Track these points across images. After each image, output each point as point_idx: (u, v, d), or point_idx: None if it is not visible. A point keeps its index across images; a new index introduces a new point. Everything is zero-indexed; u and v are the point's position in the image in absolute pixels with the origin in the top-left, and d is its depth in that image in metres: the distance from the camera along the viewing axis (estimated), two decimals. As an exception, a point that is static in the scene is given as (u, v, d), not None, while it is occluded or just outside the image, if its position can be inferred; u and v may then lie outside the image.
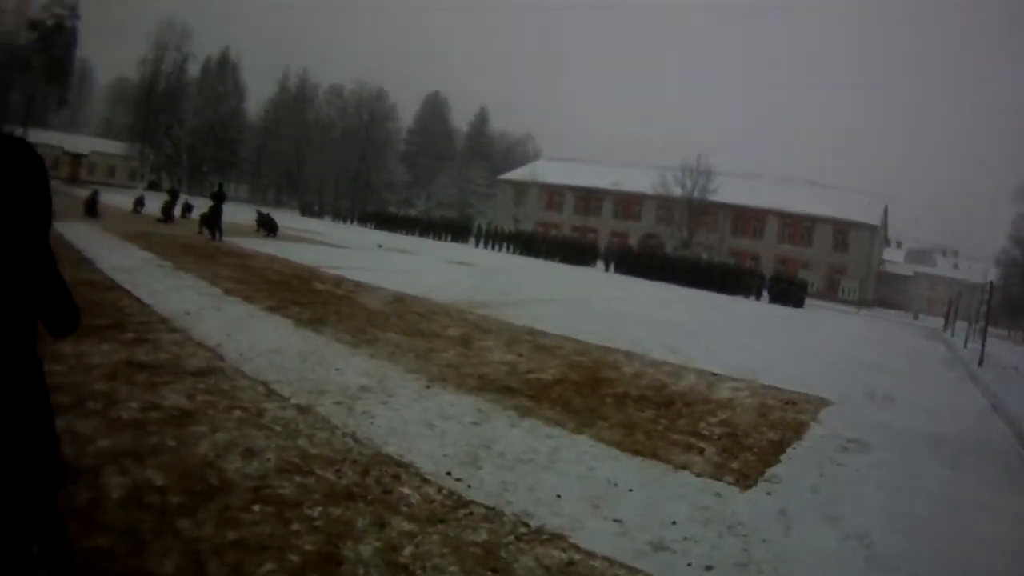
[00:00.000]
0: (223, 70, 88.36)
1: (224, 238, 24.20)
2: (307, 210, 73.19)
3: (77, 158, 76.73)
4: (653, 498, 5.02)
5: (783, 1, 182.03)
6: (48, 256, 2.22)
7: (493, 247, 50.73)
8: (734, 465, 6.08)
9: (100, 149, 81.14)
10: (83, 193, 32.38)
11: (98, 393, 5.70)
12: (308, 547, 3.72)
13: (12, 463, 2.11)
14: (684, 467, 5.82)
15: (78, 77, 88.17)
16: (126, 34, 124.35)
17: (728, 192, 66.49)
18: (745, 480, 5.72)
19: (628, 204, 73.22)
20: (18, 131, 65.69)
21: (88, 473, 4.15)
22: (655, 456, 6.00)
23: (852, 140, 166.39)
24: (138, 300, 10.30)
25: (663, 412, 7.64)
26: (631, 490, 5.12)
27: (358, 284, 15.96)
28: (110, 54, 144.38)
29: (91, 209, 27.13)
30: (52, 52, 70.56)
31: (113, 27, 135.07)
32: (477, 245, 51.88)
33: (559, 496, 4.81)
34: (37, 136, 69.26)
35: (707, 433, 7.05)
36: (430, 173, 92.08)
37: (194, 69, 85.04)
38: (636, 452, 6.03)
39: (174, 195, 32.70)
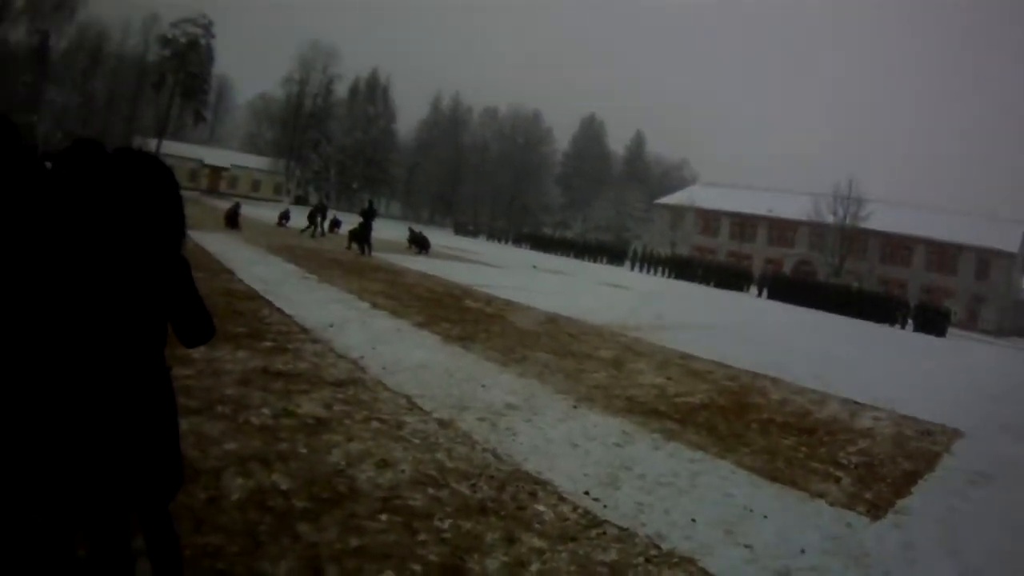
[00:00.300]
0: (373, 91, 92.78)
1: (374, 254, 25.14)
2: (461, 229, 76.01)
3: (217, 171, 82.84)
4: (786, 526, 5.13)
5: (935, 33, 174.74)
6: (181, 267, 2.34)
7: (648, 271, 52.31)
8: (867, 495, 6.19)
9: (242, 163, 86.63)
10: (224, 205, 34.50)
11: (228, 398, 5.97)
12: (432, 558, 3.77)
13: (134, 463, 2.22)
14: (820, 496, 5.95)
15: (216, 94, 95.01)
16: (266, 53, 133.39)
17: (878, 219, 66.44)
18: (876, 511, 5.80)
19: (782, 230, 74.19)
20: (151, 143, 71.62)
21: (209, 474, 4.32)
22: (793, 484, 6.17)
23: (988, 165, 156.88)
24: (279, 311, 10.78)
25: (805, 439, 7.86)
26: (766, 517, 5.23)
27: (510, 303, 16.29)
28: (250, 72, 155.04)
29: (232, 221, 28.73)
30: (187, 69, 76.77)
31: (252, 46, 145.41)
32: (632, 268, 53.12)
33: (694, 520, 4.92)
34: (173, 148, 75.11)
35: (845, 462, 7.18)
36: (586, 196, 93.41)
37: (341, 89, 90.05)
38: (775, 479, 6.21)
39: (322, 209, 34.38)
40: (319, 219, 32.77)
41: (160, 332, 2.34)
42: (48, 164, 3.79)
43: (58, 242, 2.22)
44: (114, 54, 75.01)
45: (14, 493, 2.29)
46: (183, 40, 77.13)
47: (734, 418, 8.30)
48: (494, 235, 72.63)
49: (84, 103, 72.58)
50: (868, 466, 7.14)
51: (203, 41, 78.41)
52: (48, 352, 2.24)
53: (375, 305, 12.83)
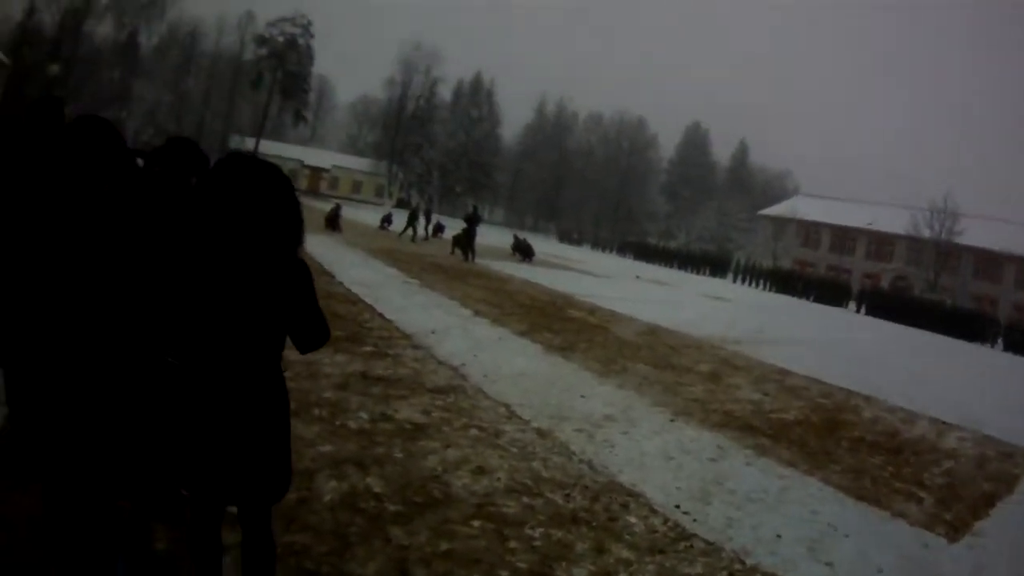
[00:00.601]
0: (476, 94, 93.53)
1: (477, 260, 25.47)
2: (566, 237, 76.39)
3: (317, 171, 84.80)
4: (866, 545, 5.22)
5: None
6: (302, 272, 2.45)
7: (750, 283, 52.64)
8: (947, 516, 6.24)
9: (343, 164, 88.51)
10: (324, 206, 35.36)
11: (325, 401, 6.18)
12: (521, 564, 3.88)
13: (248, 464, 2.35)
14: (901, 515, 6.03)
15: (316, 94, 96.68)
16: (367, 54, 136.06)
17: (972, 234, 65.09)
18: (954, 533, 5.88)
19: (881, 244, 73.54)
20: (249, 142, 73.40)
21: (302, 475, 4.44)
22: (877, 503, 6.23)
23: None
24: (380, 315, 11.08)
25: (892, 459, 7.89)
26: (847, 536, 5.30)
27: (613, 314, 16.37)
28: (350, 72, 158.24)
29: (333, 223, 29.58)
30: (286, 68, 78.39)
31: (352, 46, 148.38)
32: (735, 280, 53.45)
33: (779, 536, 5.05)
34: (272, 148, 76.84)
35: (928, 483, 7.24)
36: (690, 205, 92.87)
37: (445, 92, 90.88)
38: (860, 498, 6.26)
39: (426, 213, 34.97)
40: (423, 222, 33.31)
41: (279, 337, 2.45)
42: (140, 160, 4.01)
43: (177, 246, 2.34)
44: (209, 52, 77.58)
45: (109, 483, 2.43)
46: (281, 39, 78.85)
47: (826, 435, 8.40)
48: (598, 244, 73.09)
49: (177, 100, 75.03)
50: (950, 487, 7.21)
51: (302, 41, 79.92)
52: (167, 353, 2.40)
53: (477, 312, 13.04)
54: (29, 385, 2.40)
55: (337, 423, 5.68)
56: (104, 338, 2.35)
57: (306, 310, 2.46)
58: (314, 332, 2.50)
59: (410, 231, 32.80)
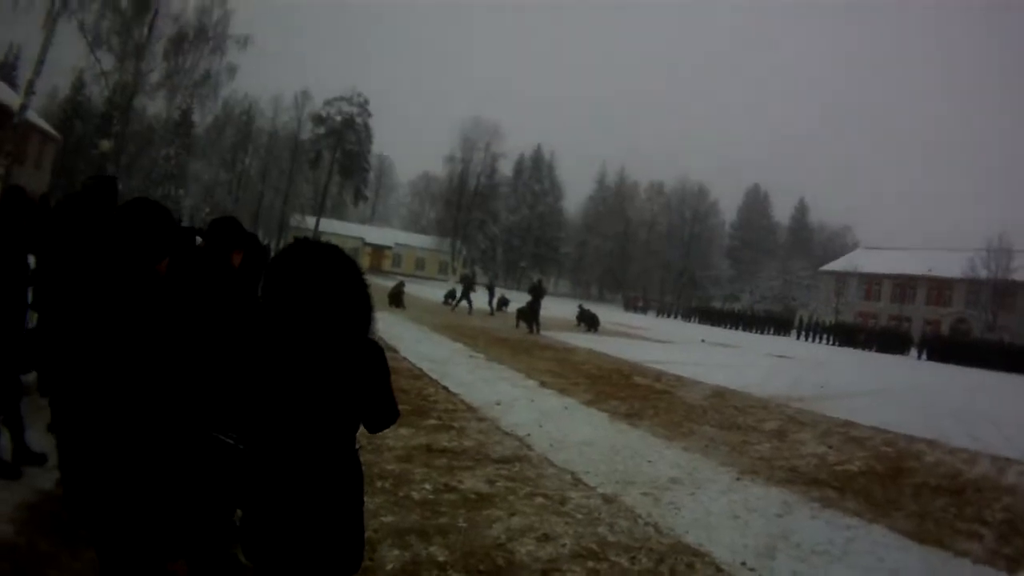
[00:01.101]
0: (538, 168, 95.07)
1: (543, 332, 25.48)
2: (631, 305, 76.86)
3: (380, 249, 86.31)
4: None
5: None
6: (373, 353, 2.47)
7: (813, 339, 53.55)
8: (1007, 551, 6.31)
9: (405, 241, 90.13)
10: (387, 283, 35.83)
11: (389, 473, 6.23)
12: None
13: (319, 542, 2.37)
14: (964, 554, 6.08)
15: (376, 172, 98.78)
16: (427, 131, 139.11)
17: None
18: (1014, 566, 5.94)
19: (940, 289, 74.99)
20: (310, 221, 74.32)
21: (365, 545, 4.46)
22: (939, 544, 6.27)
23: None
24: (445, 389, 11.15)
25: (954, 500, 7.96)
26: None
27: (679, 378, 16.33)
28: (409, 150, 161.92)
29: (396, 299, 29.98)
30: (345, 147, 80.00)
31: (411, 124, 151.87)
32: (799, 337, 54.58)
33: None
34: (333, 227, 78.17)
35: (990, 519, 7.30)
36: (753, 267, 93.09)
37: (506, 166, 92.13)
38: (924, 541, 6.31)
39: (490, 289, 35.25)
40: (488, 296, 33.53)
41: (352, 418, 2.44)
42: (199, 239, 4.13)
43: (244, 329, 2.39)
44: (265, 130, 78.89)
45: (162, 546, 2.45)
46: (338, 118, 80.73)
47: (889, 483, 8.44)
48: (663, 310, 74.01)
49: (234, 179, 76.73)
50: (1009, 522, 7.25)
51: (359, 119, 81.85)
52: (229, 433, 2.44)
53: (543, 383, 13.03)
54: (83, 456, 2.45)
55: (400, 494, 5.71)
56: (157, 413, 2.39)
57: (379, 392, 2.47)
58: (384, 413, 2.52)
59: (464, 303, 33.11)
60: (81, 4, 38.45)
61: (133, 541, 2.37)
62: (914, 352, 48.07)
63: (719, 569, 5.03)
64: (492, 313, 33.81)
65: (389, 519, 5.10)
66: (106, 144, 37.46)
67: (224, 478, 2.40)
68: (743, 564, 5.18)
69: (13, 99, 36.85)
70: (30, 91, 32.15)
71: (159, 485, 2.33)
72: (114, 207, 5.60)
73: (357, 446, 2.49)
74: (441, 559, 4.51)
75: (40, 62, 31.48)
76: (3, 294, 4.91)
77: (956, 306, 72.13)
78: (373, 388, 2.44)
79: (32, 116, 40.50)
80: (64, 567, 3.74)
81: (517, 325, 26.87)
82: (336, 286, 2.35)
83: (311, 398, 2.30)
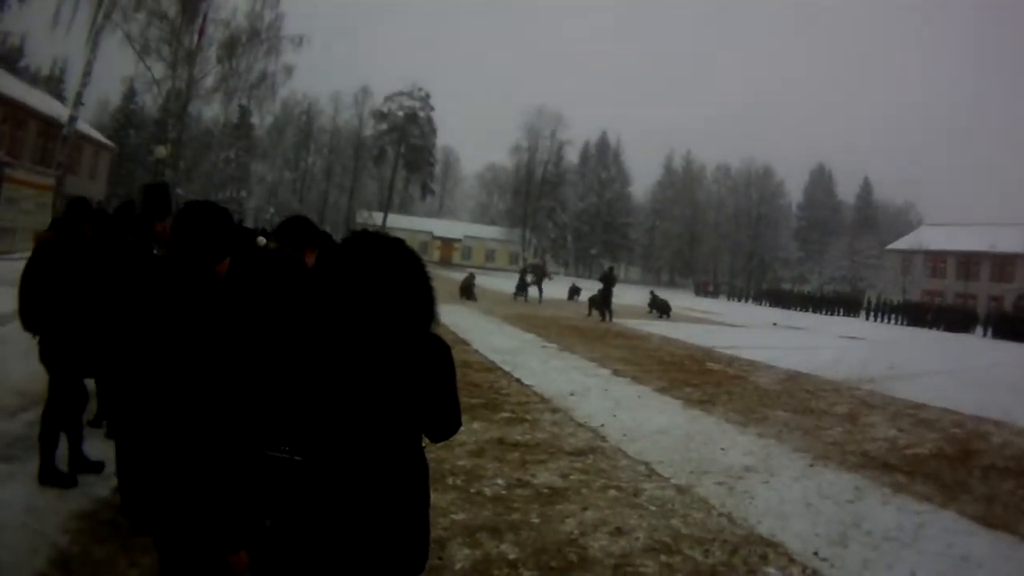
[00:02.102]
0: (604, 154, 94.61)
1: (615, 320, 25.46)
2: (701, 290, 76.11)
3: (449, 242, 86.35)
4: (997, 573, 5.24)
5: None
6: (438, 350, 2.36)
7: (882, 319, 52.72)
8: None
9: (475, 234, 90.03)
10: (458, 276, 36.13)
11: (460, 469, 6.23)
12: None
13: (385, 541, 2.35)
14: None
15: (442, 165, 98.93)
16: (492, 121, 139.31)
17: None
18: None
19: (1003, 265, 73.43)
20: (377, 217, 74.42)
21: (434, 544, 4.40)
22: (1007, 529, 6.21)
23: None
24: (517, 381, 11.16)
25: (1021, 482, 7.88)
26: (980, 565, 5.30)
27: (752, 363, 16.31)
28: (475, 142, 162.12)
29: (467, 292, 30.07)
30: (408, 142, 79.62)
31: (475, 115, 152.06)
32: (868, 318, 53.63)
33: (913, 574, 5.01)
34: (401, 222, 78.18)
35: None
36: (820, 247, 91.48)
37: (572, 154, 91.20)
38: (992, 526, 6.24)
39: (536, 272, 35.28)
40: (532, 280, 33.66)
41: (418, 413, 2.35)
42: (263, 240, 4.14)
43: (301, 329, 2.34)
44: (327, 129, 79.97)
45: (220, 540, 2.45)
46: (400, 113, 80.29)
47: (959, 465, 8.43)
48: (734, 294, 73.19)
49: (298, 178, 77.93)
50: None
51: (422, 113, 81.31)
52: (284, 445, 2.43)
53: (616, 372, 13.02)
54: (142, 458, 2.48)
55: (472, 490, 5.72)
56: (216, 415, 2.39)
57: (442, 393, 2.37)
58: (447, 420, 2.43)
59: (532, 292, 33.37)
60: (125, 16, 38.91)
61: (193, 536, 2.39)
62: (980, 330, 47.79)
63: (791, 560, 5.00)
64: (540, 300, 33.60)
65: (460, 516, 5.10)
66: (162, 150, 37.93)
67: (276, 490, 2.39)
68: (815, 554, 5.15)
69: (61, 112, 37.82)
70: (78, 102, 32.86)
71: (217, 484, 2.34)
72: (167, 211, 5.73)
73: (423, 443, 2.44)
74: (512, 557, 4.50)
75: (86, 73, 32.13)
76: (70, 302, 5.02)
77: (1019, 282, 70.99)
78: (436, 386, 2.34)
79: (83, 127, 41.41)
80: (121, 573, 3.81)
81: (589, 313, 26.87)
82: (393, 276, 2.28)
83: (371, 395, 2.23)
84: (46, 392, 5.19)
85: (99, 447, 5.39)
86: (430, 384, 2.32)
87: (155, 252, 5.35)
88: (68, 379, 5.17)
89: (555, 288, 38.90)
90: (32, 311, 5.16)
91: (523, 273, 34.36)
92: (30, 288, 5.14)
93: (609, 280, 26.31)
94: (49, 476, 5.03)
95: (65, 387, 5.14)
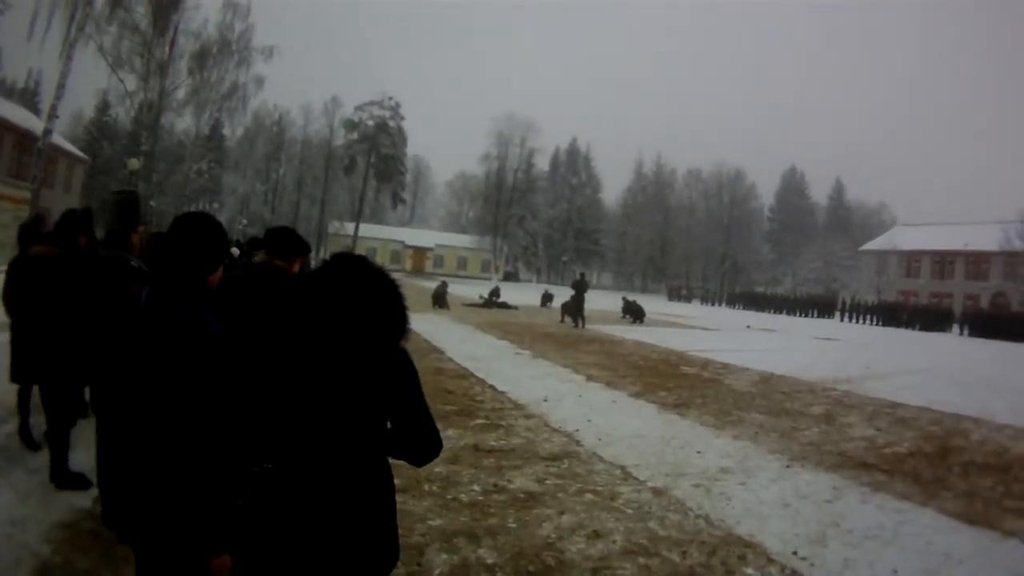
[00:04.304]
0: (574, 161, 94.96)
1: (588, 326, 25.50)
2: (674, 294, 76.89)
3: (421, 251, 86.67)
4: (979, 569, 5.26)
5: None
6: (402, 362, 2.42)
7: (857, 319, 53.98)
8: None
9: (446, 242, 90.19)
10: (430, 285, 36.11)
11: (436, 476, 6.19)
12: None
13: (352, 543, 2.37)
14: (1012, 534, 6.07)
15: (413, 174, 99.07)
16: (461, 130, 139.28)
17: None
18: None
19: (978, 264, 74.26)
20: (348, 227, 74.16)
21: (412, 550, 4.48)
22: (988, 525, 6.27)
23: None
24: (491, 387, 11.15)
25: (1001, 478, 8.02)
26: (961, 562, 5.35)
27: (726, 366, 16.41)
28: (445, 151, 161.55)
29: (440, 300, 30.06)
30: (379, 151, 79.07)
31: (445, 124, 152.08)
32: (842, 319, 54.58)
33: (895, 572, 5.04)
34: (372, 231, 78.72)
35: None
36: (794, 250, 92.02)
37: (542, 161, 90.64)
38: (973, 522, 6.32)
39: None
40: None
41: (380, 425, 2.41)
42: (236, 251, 4.14)
43: (276, 346, 2.39)
44: (298, 139, 79.35)
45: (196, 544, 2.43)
46: (371, 122, 79.92)
47: (938, 463, 8.55)
48: (707, 298, 74.02)
49: (270, 189, 77.33)
50: None
51: (392, 123, 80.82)
52: (259, 458, 2.44)
53: (590, 377, 13.06)
54: (122, 462, 2.46)
55: (448, 496, 5.71)
56: (196, 427, 2.38)
57: (408, 397, 2.42)
58: (423, 436, 2.45)
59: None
60: (98, 27, 38.74)
61: (175, 541, 2.38)
62: (956, 329, 48.54)
63: (770, 560, 5.02)
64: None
65: (437, 522, 5.10)
66: (135, 162, 37.68)
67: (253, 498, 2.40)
68: (794, 553, 5.17)
69: (36, 124, 37.80)
70: (53, 115, 32.71)
71: (200, 488, 2.33)
72: (140, 221, 5.73)
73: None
74: (490, 561, 4.50)
75: (60, 86, 31.98)
76: (65, 314, 5.01)
77: (994, 280, 71.69)
78: (400, 391, 2.40)
79: (57, 139, 41.32)
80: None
81: (562, 320, 26.94)
82: (368, 300, 2.34)
83: (338, 407, 2.30)
84: (38, 402, 5.29)
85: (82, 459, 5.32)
86: (394, 390, 2.38)
87: (133, 263, 5.32)
88: (65, 389, 5.21)
89: (527, 295, 38.91)
90: (24, 324, 5.22)
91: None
92: (22, 302, 5.17)
93: (581, 287, 26.32)
94: (63, 479, 5.05)
95: (63, 395, 5.19)
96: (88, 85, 49.97)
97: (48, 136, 32.58)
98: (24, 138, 37.44)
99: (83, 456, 5.24)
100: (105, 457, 2.59)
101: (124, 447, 2.44)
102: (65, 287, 5.10)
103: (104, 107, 69.54)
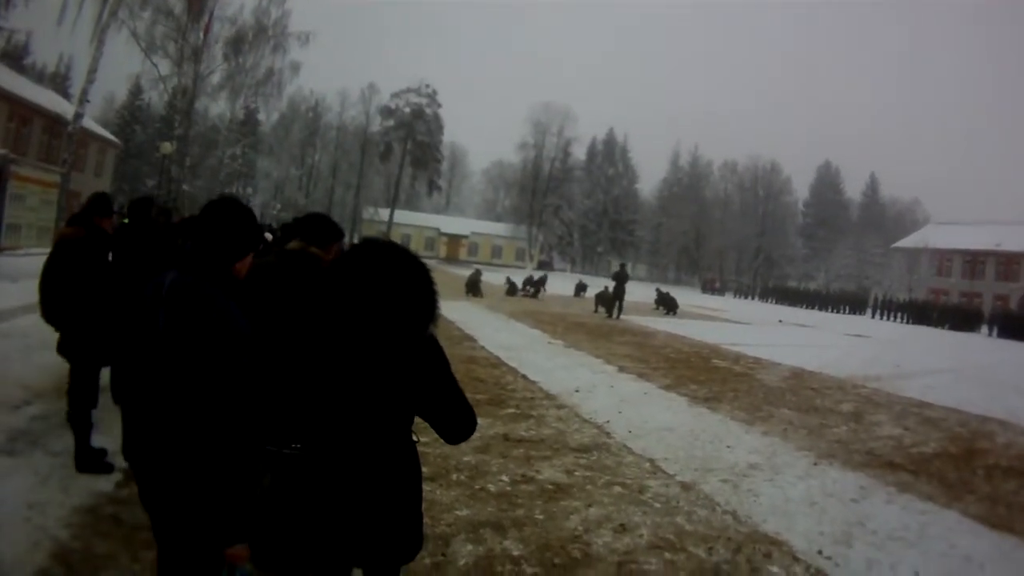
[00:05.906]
0: (611, 151, 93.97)
1: (622, 316, 25.50)
2: (708, 287, 76.16)
3: (456, 239, 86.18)
4: (999, 574, 5.23)
5: None
6: (430, 347, 2.42)
7: (888, 317, 53.81)
8: None
9: (481, 230, 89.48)
10: (464, 273, 36.15)
11: (465, 465, 6.21)
12: None
13: (378, 528, 2.37)
14: None
15: (449, 162, 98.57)
16: (499, 118, 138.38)
17: None
18: None
19: (1009, 264, 72.81)
20: (383, 213, 74.31)
21: (437, 540, 4.48)
22: (1010, 530, 6.20)
23: None
24: (523, 377, 11.13)
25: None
26: (982, 566, 5.29)
27: (757, 360, 16.36)
28: (483, 138, 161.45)
29: (473, 288, 30.10)
30: (415, 138, 79.01)
31: (482, 112, 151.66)
32: (873, 316, 54.35)
33: (917, 574, 5.01)
34: (408, 218, 78.48)
35: None
36: (827, 245, 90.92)
37: (579, 151, 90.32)
38: (995, 526, 6.25)
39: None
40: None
41: (408, 411, 2.42)
42: (269, 236, 4.15)
43: (305, 330, 2.39)
44: (334, 125, 79.26)
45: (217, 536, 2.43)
46: (407, 110, 79.54)
47: (963, 465, 8.46)
48: (740, 291, 73.43)
49: (305, 174, 77.59)
50: None
51: (429, 110, 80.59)
52: (288, 439, 2.44)
53: (622, 368, 13.03)
54: (145, 448, 2.47)
55: (476, 486, 5.70)
56: (218, 413, 2.37)
57: (438, 382, 2.42)
58: (457, 414, 2.47)
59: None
60: (131, 13, 38.76)
61: (195, 527, 2.38)
62: (984, 329, 48.07)
63: (795, 559, 4.99)
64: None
65: (464, 512, 5.09)
66: (168, 146, 37.80)
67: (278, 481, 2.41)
68: (819, 552, 5.14)
69: (67, 109, 37.94)
70: (84, 100, 32.69)
71: (220, 476, 2.33)
72: (149, 223, 5.89)
73: (415, 439, 2.45)
74: (516, 553, 4.49)
75: (92, 71, 31.86)
76: (90, 295, 5.08)
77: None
78: (430, 376, 2.40)
79: (88, 123, 41.39)
80: (123, 568, 3.80)
81: (596, 310, 26.93)
82: (398, 284, 2.33)
83: (365, 392, 2.30)
84: (60, 385, 5.31)
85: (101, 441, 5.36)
86: (423, 375, 2.38)
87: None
88: (88, 369, 5.30)
89: (561, 285, 38.86)
90: (52, 305, 5.26)
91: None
92: (51, 282, 5.21)
93: (622, 277, 26.23)
94: (86, 462, 5.10)
95: (86, 376, 5.27)
96: (120, 69, 50.00)
97: (79, 120, 32.53)
98: (54, 122, 37.72)
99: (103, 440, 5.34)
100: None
101: (144, 430, 2.45)
102: (86, 268, 5.20)
103: (137, 91, 69.28)
